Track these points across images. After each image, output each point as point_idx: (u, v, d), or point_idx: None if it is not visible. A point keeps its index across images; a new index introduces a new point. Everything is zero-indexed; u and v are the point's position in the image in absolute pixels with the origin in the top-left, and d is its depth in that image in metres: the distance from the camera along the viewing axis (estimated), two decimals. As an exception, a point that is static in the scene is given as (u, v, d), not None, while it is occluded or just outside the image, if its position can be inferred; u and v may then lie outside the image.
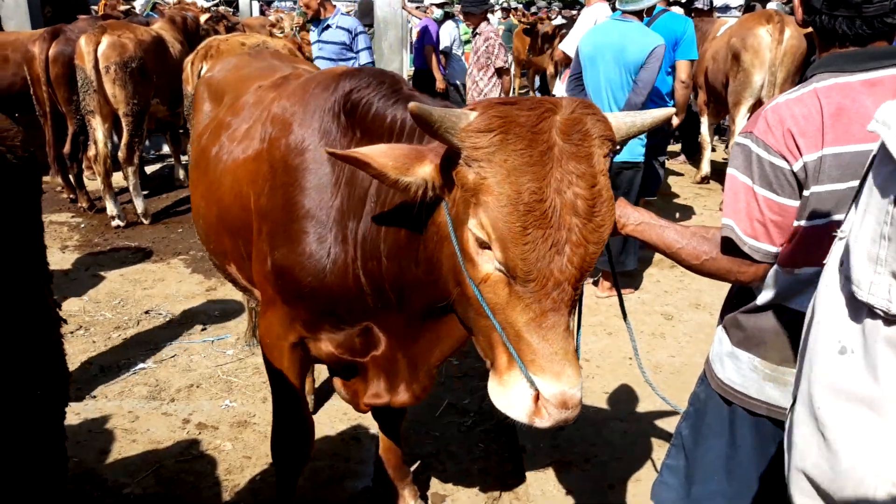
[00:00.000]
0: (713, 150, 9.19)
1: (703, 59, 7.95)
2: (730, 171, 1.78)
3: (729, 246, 1.79)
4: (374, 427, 3.58)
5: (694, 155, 9.69)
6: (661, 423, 3.52)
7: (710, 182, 8.68)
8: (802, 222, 1.69)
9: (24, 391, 1.45)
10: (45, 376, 1.53)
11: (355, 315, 2.19)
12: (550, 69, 12.13)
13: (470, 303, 1.68)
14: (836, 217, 1.66)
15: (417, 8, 12.70)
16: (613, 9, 5.69)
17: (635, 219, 1.88)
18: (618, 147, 1.68)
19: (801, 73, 7.03)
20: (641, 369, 2.07)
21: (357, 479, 3.20)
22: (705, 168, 8.76)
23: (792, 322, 1.76)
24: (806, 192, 1.67)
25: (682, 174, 9.20)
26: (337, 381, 2.56)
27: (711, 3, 9.49)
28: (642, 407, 3.73)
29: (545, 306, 1.54)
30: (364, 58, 6.16)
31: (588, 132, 1.55)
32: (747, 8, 10.94)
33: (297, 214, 2.12)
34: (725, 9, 12.98)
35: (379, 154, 1.68)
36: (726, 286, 1.99)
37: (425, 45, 9.42)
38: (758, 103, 7.28)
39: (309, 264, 2.11)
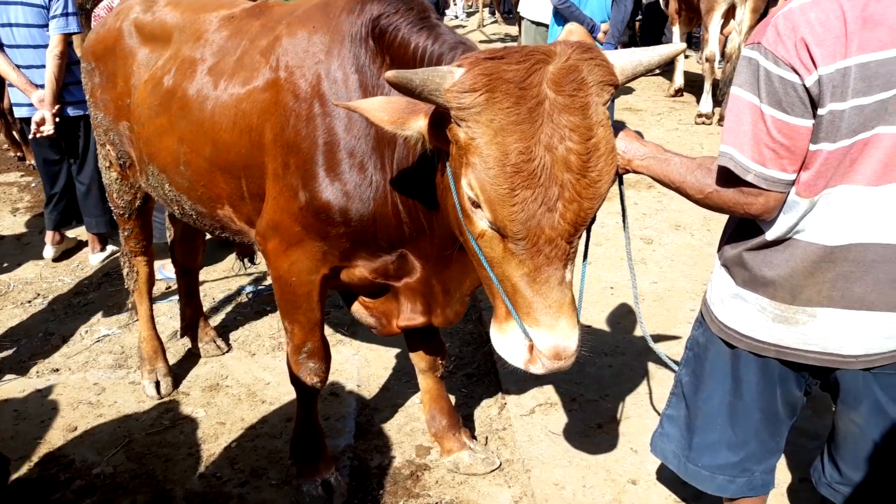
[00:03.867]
0: (685, 57, 8.92)
1: (672, -38, 7.62)
2: (733, 89, 1.59)
3: (728, 177, 1.60)
4: (351, 381, 3.46)
5: (664, 67, 9.43)
6: (650, 357, 3.43)
7: (685, 94, 8.46)
8: (822, 145, 1.51)
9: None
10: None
11: (392, 242, 2.23)
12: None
13: (471, 253, 1.73)
14: (863, 136, 1.47)
15: None
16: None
17: (642, 153, 1.77)
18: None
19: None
20: (640, 319, 2.05)
21: (339, 437, 3.08)
22: (678, 80, 8.53)
23: (806, 257, 1.61)
24: (821, 111, 1.47)
25: (652, 88, 8.96)
26: (359, 308, 2.56)
27: None
28: (628, 339, 3.63)
29: (538, 262, 1.56)
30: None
31: (584, 81, 1.50)
32: None
33: (336, 144, 2.10)
34: None
35: (376, 108, 1.70)
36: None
37: None
38: (731, 9, 7.00)
39: (354, 193, 2.11)
